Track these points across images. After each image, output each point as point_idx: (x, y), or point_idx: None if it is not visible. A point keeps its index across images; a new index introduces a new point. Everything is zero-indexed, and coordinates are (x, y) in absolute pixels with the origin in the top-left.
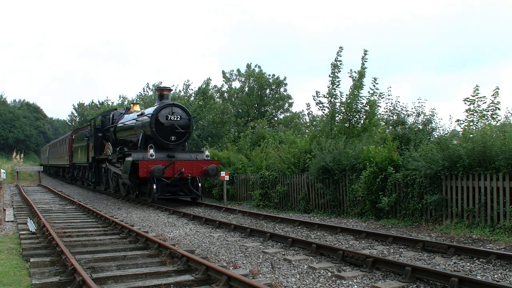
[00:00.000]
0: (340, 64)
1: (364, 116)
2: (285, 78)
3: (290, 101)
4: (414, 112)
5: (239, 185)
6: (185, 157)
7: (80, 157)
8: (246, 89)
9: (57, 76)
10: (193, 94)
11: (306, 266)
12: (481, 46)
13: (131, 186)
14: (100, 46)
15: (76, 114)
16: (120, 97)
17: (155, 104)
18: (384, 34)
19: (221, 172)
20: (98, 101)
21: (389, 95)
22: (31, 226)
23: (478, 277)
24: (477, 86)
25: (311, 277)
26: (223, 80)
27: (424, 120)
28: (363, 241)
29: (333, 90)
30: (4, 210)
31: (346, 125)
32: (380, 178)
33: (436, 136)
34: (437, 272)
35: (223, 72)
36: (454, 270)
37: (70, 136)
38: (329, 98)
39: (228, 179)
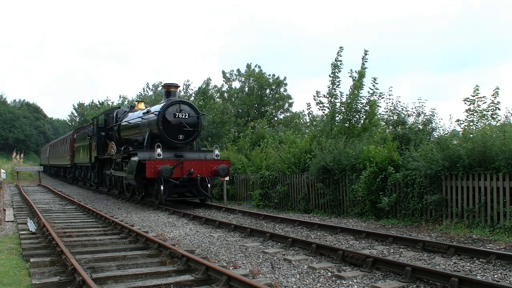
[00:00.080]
0: (340, 64)
1: (364, 116)
2: (285, 78)
3: (290, 101)
4: (414, 112)
5: (239, 185)
6: (194, 156)
7: (82, 157)
8: (246, 89)
9: (57, 76)
10: (193, 94)
11: (306, 266)
12: (481, 46)
13: (137, 187)
14: (100, 46)
15: (76, 114)
16: (120, 97)
17: (162, 101)
18: (384, 34)
19: None
20: (98, 101)
21: (390, 95)
22: (31, 226)
23: (478, 277)
24: (477, 86)
25: (311, 277)
26: (223, 80)
27: (424, 120)
28: (363, 241)
29: (333, 90)
30: (4, 210)
31: (346, 125)
32: (380, 178)
33: (436, 136)
34: (437, 272)
35: (223, 72)
36: (454, 270)
37: (71, 136)
38: (329, 98)
39: (228, 179)
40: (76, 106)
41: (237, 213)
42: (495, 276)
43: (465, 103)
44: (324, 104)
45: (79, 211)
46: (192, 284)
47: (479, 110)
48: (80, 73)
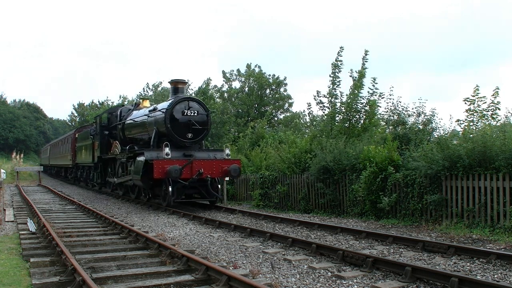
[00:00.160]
0: (340, 64)
1: (364, 116)
2: (285, 78)
3: (290, 101)
4: (414, 112)
5: (239, 185)
6: (204, 156)
7: (84, 157)
8: (246, 89)
9: (57, 76)
10: (193, 94)
11: (306, 266)
12: (481, 46)
13: (144, 188)
14: (100, 46)
15: (76, 114)
16: (120, 97)
17: (169, 98)
18: (384, 34)
19: None
20: (98, 101)
21: (390, 95)
22: (31, 226)
23: (478, 277)
24: (477, 86)
25: (311, 277)
26: (223, 80)
27: (425, 120)
28: (363, 241)
29: (333, 90)
30: (4, 210)
31: (346, 125)
32: (380, 178)
33: (436, 136)
34: (437, 272)
35: (223, 72)
36: (454, 270)
37: (73, 135)
38: (330, 98)
39: (228, 179)
40: (76, 106)
41: (237, 213)
42: (495, 276)
43: (465, 103)
44: (324, 104)
45: (79, 211)
46: (192, 284)
47: (479, 110)
48: (80, 73)
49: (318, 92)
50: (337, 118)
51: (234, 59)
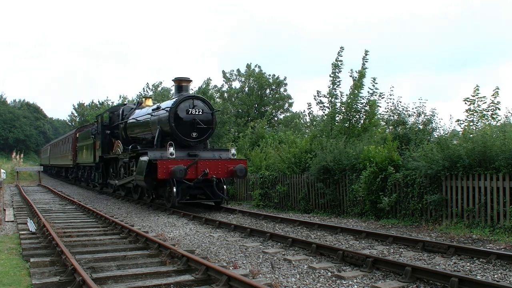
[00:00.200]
0: (341, 64)
1: (364, 116)
2: (285, 78)
3: (290, 101)
4: (415, 112)
5: (239, 185)
6: (209, 156)
7: (85, 157)
8: (246, 89)
9: (57, 76)
10: None
11: (306, 266)
12: (481, 46)
13: (147, 189)
14: (100, 46)
15: (76, 114)
16: (120, 97)
17: (173, 97)
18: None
19: None
20: (98, 101)
21: (391, 95)
22: (31, 226)
23: (478, 277)
24: (477, 86)
25: (311, 277)
26: (223, 80)
27: (425, 120)
28: (363, 241)
29: (333, 90)
30: (4, 210)
31: (346, 125)
32: (380, 178)
33: (436, 136)
34: (437, 272)
35: (223, 72)
36: (454, 270)
37: (74, 134)
38: (330, 98)
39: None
40: (76, 106)
41: (237, 213)
42: (495, 276)
43: (465, 103)
44: (324, 104)
45: (79, 211)
46: (192, 284)
47: (479, 110)
48: (80, 73)
49: (318, 92)
50: (337, 118)
51: (234, 59)
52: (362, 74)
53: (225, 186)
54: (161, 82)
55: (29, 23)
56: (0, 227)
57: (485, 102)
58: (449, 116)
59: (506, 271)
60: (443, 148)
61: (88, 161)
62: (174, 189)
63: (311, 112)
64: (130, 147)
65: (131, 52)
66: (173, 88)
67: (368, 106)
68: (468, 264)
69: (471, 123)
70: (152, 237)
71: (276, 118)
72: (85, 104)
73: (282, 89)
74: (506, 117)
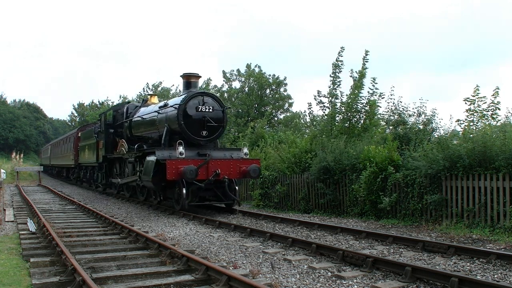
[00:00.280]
0: (341, 64)
1: (364, 116)
2: (285, 78)
3: (290, 101)
4: (415, 112)
5: (239, 185)
6: (220, 155)
7: (87, 156)
8: (246, 89)
9: (57, 76)
10: None
11: (306, 266)
12: (481, 46)
13: (154, 190)
14: (100, 46)
15: (76, 114)
16: (120, 97)
17: (182, 94)
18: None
19: None
20: (98, 101)
21: (391, 95)
22: (31, 226)
23: (478, 277)
24: (477, 86)
25: (311, 277)
26: (223, 80)
27: (425, 120)
28: (363, 241)
29: (334, 90)
30: (4, 210)
31: (346, 125)
32: (380, 178)
33: (436, 136)
34: (437, 272)
35: (223, 72)
36: (454, 270)
37: (75, 134)
38: (330, 98)
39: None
40: (76, 106)
41: (237, 213)
42: (495, 276)
43: (465, 103)
44: (324, 104)
45: (79, 211)
46: (192, 284)
47: (479, 110)
48: (80, 73)
49: (318, 92)
50: (337, 118)
51: (234, 59)
52: (362, 74)
53: (237, 187)
54: (161, 82)
55: (29, 23)
56: (0, 227)
57: (485, 102)
58: (449, 116)
59: (506, 271)
60: (443, 148)
61: (90, 161)
62: (184, 191)
63: (311, 112)
64: (135, 146)
65: (131, 52)
66: (173, 88)
67: (368, 106)
68: (468, 264)
69: (471, 123)
70: (152, 237)
71: (276, 118)
72: (85, 104)
73: (282, 89)
74: (506, 117)
